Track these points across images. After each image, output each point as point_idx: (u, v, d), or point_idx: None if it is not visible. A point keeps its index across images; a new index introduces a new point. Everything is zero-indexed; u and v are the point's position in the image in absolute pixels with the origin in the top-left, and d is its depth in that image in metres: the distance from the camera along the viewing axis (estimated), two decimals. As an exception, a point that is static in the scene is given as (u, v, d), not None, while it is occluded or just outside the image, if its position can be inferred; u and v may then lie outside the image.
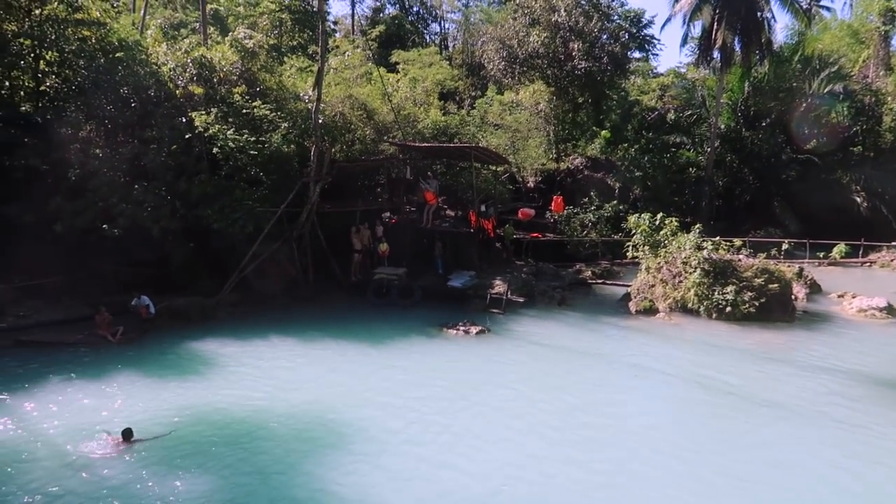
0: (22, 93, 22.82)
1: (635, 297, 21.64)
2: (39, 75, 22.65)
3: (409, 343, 17.95)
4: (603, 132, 37.95)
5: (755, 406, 13.30)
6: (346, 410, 12.98)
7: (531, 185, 34.29)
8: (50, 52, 22.38)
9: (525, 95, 35.52)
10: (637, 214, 23.67)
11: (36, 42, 21.98)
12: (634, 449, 11.35)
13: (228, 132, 21.34)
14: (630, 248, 23.29)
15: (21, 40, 21.97)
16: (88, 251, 20.66)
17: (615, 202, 30.98)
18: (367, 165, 26.88)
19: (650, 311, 20.79)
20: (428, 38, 52.94)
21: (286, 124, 23.26)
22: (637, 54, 48.71)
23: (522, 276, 23.46)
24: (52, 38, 22.27)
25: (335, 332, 18.33)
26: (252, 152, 21.41)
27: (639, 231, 22.71)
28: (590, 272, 26.23)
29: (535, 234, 27.92)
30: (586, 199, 30.78)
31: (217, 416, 12.59)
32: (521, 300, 21.65)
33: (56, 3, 22.03)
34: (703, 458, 10.95)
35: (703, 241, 20.76)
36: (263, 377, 14.94)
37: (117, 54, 22.79)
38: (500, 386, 14.65)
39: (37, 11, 21.92)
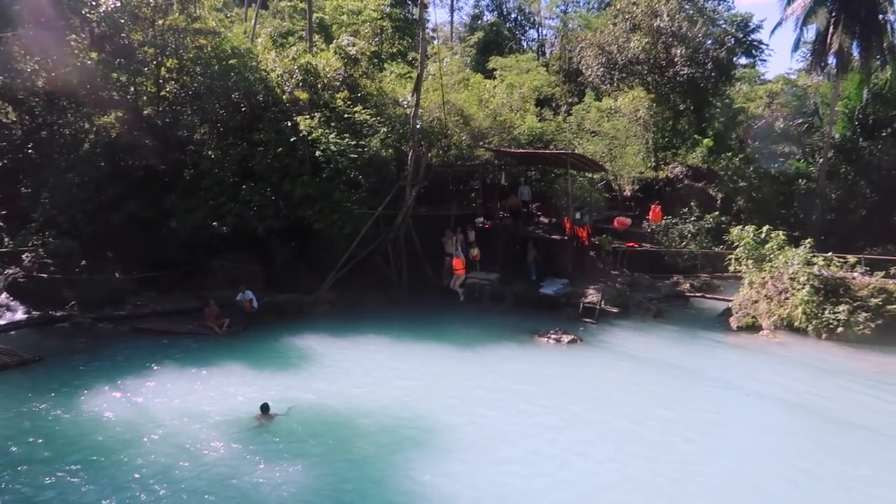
0: (145, 97, 24.43)
1: (737, 313, 20.66)
2: (160, 81, 24.20)
3: (499, 348, 17.88)
4: (705, 140, 36.54)
5: (869, 437, 12.34)
6: (435, 411, 13.06)
7: (628, 193, 33.47)
8: (170, 60, 23.88)
9: (624, 102, 34.73)
10: (741, 227, 22.62)
11: (158, 50, 23.51)
12: (728, 475, 10.75)
13: (330, 136, 22.08)
14: (732, 261, 22.28)
15: (145, 49, 23.56)
16: (199, 247, 21.89)
17: (717, 213, 29.70)
18: (462, 170, 27.10)
19: (752, 327, 19.79)
20: (525, 44, 52.85)
21: (385, 129, 23.82)
22: (744, 60, 46.76)
23: (617, 286, 22.90)
24: (173, 46, 23.77)
25: (427, 335, 18.51)
26: (352, 156, 22.06)
27: (742, 244, 21.68)
28: (688, 285, 25.30)
29: (631, 244, 27.20)
30: (686, 210, 29.68)
31: (313, 407, 13.00)
32: (615, 311, 21.15)
33: (177, 14, 23.48)
34: (806, 498, 10.21)
35: (814, 256, 19.57)
36: (356, 373, 15.29)
37: (230, 61, 24.04)
38: (591, 397, 14.30)
39: (160, 22, 23.45)
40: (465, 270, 19.23)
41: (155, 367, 15.22)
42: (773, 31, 56.80)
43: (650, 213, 29.21)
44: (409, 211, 22.94)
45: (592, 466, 11.01)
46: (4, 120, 24.20)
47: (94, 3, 22.26)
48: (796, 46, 35.44)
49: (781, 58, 59.06)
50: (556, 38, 52.75)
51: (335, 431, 12.08)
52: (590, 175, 29.13)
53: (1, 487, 9.92)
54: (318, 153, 22.11)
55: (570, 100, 41.38)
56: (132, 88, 24.09)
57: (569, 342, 18.19)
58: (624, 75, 36.21)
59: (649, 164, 34.12)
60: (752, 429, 13.04)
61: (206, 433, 11.78)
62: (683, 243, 28.11)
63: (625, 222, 27.81)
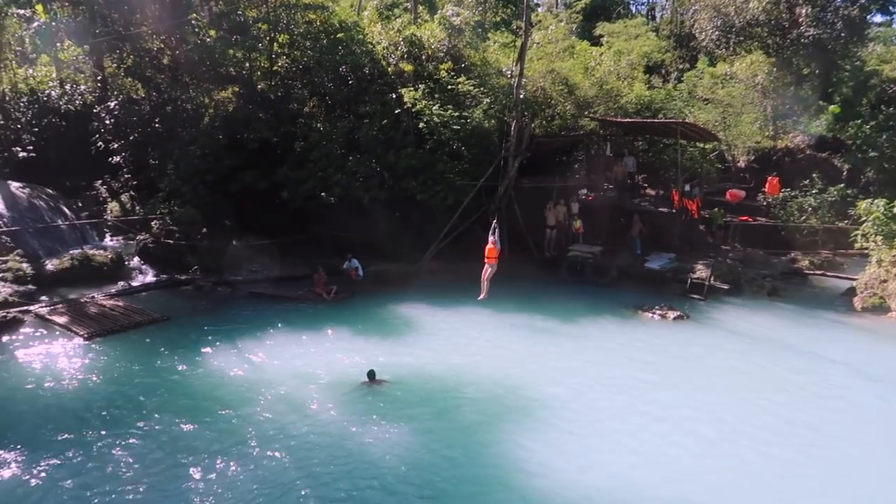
0: (258, 72, 25.49)
1: (862, 293, 19.27)
2: (273, 56, 25.14)
3: (601, 323, 17.61)
4: (831, 107, 33.80)
5: None
6: (538, 382, 13.12)
7: (742, 164, 31.64)
8: (282, 35, 24.75)
9: (740, 67, 32.69)
10: (869, 200, 20.95)
11: (271, 26, 24.41)
12: (850, 463, 10.15)
13: (434, 107, 22.21)
14: (858, 237, 20.73)
15: (259, 25, 24.51)
16: (308, 216, 22.80)
17: (842, 186, 27.54)
18: (565, 141, 26.58)
19: (880, 308, 18.42)
20: (634, 8, 50.74)
21: (488, 99, 23.68)
22: (879, 18, 42.65)
23: (728, 261, 21.89)
24: (285, 21, 24.62)
25: (527, 307, 18.48)
26: (455, 127, 22.12)
27: (871, 219, 20.10)
28: (807, 262, 23.78)
29: (745, 218, 25.82)
30: (807, 182, 27.72)
31: (417, 374, 13.40)
32: (725, 287, 20.24)
33: (288, -10, 24.25)
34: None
35: (956, 233, 17.89)
36: (458, 342, 15.57)
37: (338, 35, 24.62)
38: (699, 376, 13.87)
39: (272, -1, 24.32)
40: (496, 261, 17.26)
41: (269, 330, 16.13)
42: (914, -15, 51.20)
43: (766, 185, 27.52)
44: (511, 182, 22.80)
45: (701, 447, 10.76)
46: (135, 96, 26.03)
47: (212, -18, 23.38)
48: (942, 1, 32.02)
49: (923, 14, 53.48)
50: (667, 1, 50.25)
51: (440, 397, 12.43)
52: (701, 145, 27.76)
53: (139, 433, 10.91)
54: (421, 125, 22.34)
55: (681, 66, 39.43)
56: (247, 64, 25.19)
57: (675, 318, 17.67)
58: (741, 38, 33.99)
59: (767, 134, 32.05)
60: (877, 418, 12.19)
61: (318, 394, 12.42)
62: (803, 218, 26.36)
63: (738, 195, 26.36)
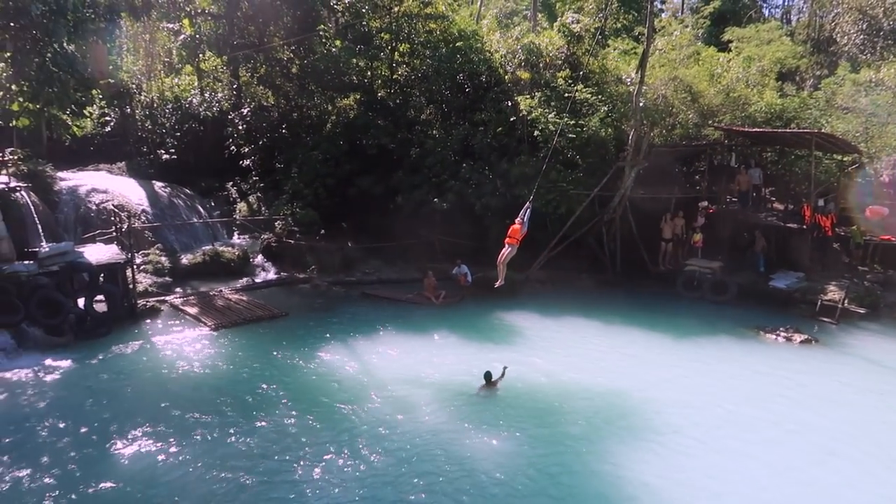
0: (379, 81, 26.36)
1: None
2: (393, 64, 25.91)
3: (718, 342, 16.71)
4: None
5: None
6: (644, 401, 12.65)
7: (886, 178, 29.07)
8: (403, 44, 25.44)
9: (889, 73, 30.05)
10: None
11: (393, 35, 25.17)
12: None
13: (549, 115, 22.02)
14: None
15: (382, 35, 25.34)
16: (420, 221, 23.28)
17: None
18: (686, 151, 25.51)
19: None
20: (767, 11, 47.93)
21: (605, 108, 23.19)
22: None
23: (865, 283, 20.15)
24: (406, 31, 25.30)
25: (639, 321, 17.87)
26: (570, 135, 21.83)
27: None
28: (957, 288, 21.46)
29: (887, 238, 23.68)
30: (960, 199, 25.08)
31: (523, 382, 13.28)
32: (861, 311, 18.63)
33: (411, 1, 24.88)
34: None
35: None
36: (566, 353, 15.32)
37: (457, 44, 24.98)
38: (825, 406, 12.81)
39: (395, 9, 25.06)
40: (518, 242, 14.28)
41: (380, 331, 16.62)
42: None
43: (914, 202, 25.11)
44: (626, 193, 22.18)
45: (823, 482, 9.93)
46: (265, 103, 27.68)
47: (340, -6, 24.47)
48: None
49: None
50: (804, 3, 47.10)
51: (545, 407, 12.30)
52: (839, 157, 25.77)
53: (257, 420, 11.56)
54: (536, 133, 22.22)
55: (817, 73, 36.78)
56: (369, 72, 26.12)
57: (801, 342, 16.49)
58: (890, 42, 31.32)
59: (917, 145, 29.29)
60: None
61: (424, 396, 12.65)
62: (955, 239, 23.83)
63: (880, 212, 24.18)
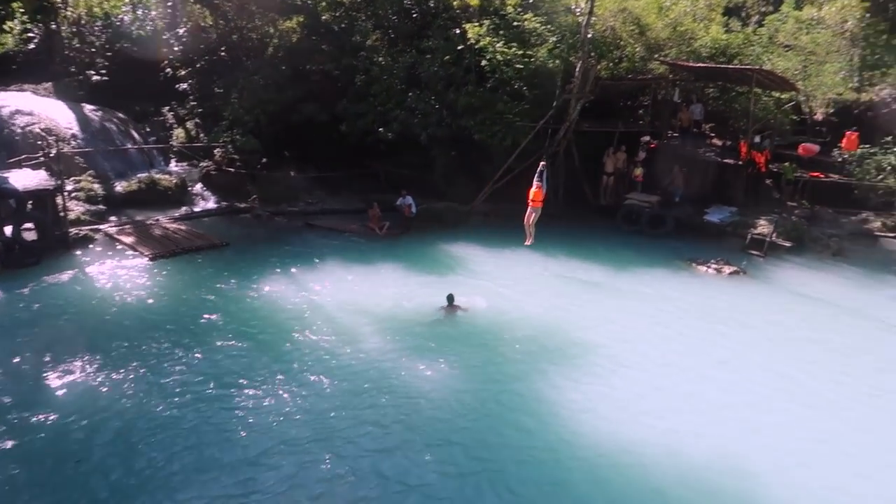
0: (323, 3, 25.30)
1: (937, 259, 18.33)
2: (338, -14, 24.86)
3: (654, 273, 17.34)
4: (927, 59, 31.47)
5: None
6: (581, 329, 13.14)
7: (820, 117, 29.89)
8: (348, -36, 24.37)
9: (830, 11, 30.47)
10: (957, 161, 19.64)
11: (339, -45, 24.04)
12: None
13: (498, 44, 21.70)
14: (941, 200, 19.55)
15: (327, -47, 24.18)
16: (365, 151, 22.97)
17: (929, 144, 25.90)
18: (632, 85, 25.62)
19: (955, 276, 17.52)
20: (718, -56, 47.52)
21: (554, 38, 22.95)
22: None
23: (793, 218, 21.04)
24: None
25: (579, 253, 18.34)
26: (518, 66, 21.62)
27: (956, 181, 18.89)
28: (879, 223, 22.60)
29: (816, 174, 24.61)
30: (889, 139, 26.14)
31: (466, 313, 13.54)
32: (787, 245, 19.54)
33: (357, -83, 23.72)
34: None
35: None
36: (508, 285, 15.65)
37: (405, -35, 24.07)
38: (749, 336, 13.55)
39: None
40: (542, 204, 16.38)
41: (323, 261, 16.61)
42: None
43: (844, 140, 26.05)
44: (572, 125, 22.29)
45: (744, 406, 10.63)
46: (202, 23, 26.31)
47: None
48: None
49: None
50: (756, -64, 46.88)
51: (484, 337, 12.62)
52: (777, 95, 26.34)
53: (196, 350, 11.53)
54: (483, 62, 21.91)
55: (763, 9, 36.97)
56: (309, -6, 25.00)
57: (730, 273, 17.25)
58: (835, -21, 31.66)
59: (851, 85, 30.11)
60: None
61: (370, 326, 12.82)
62: (881, 177, 24.93)
63: (811, 149, 25.04)
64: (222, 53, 25.29)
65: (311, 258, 16.77)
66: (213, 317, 13.01)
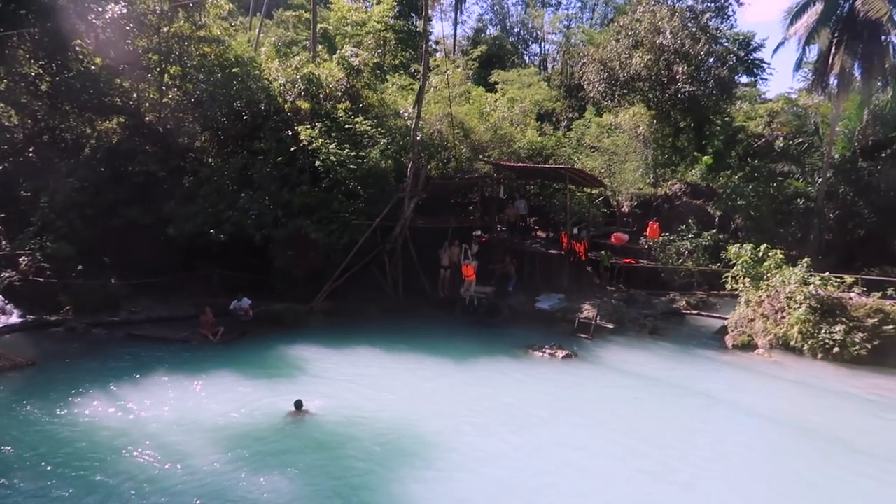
0: (147, 104, 24.54)
1: (733, 331, 20.68)
2: (163, 88, 24.31)
3: (493, 362, 17.86)
4: (704, 158, 36.67)
5: (857, 456, 12.32)
6: (427, 424, 13.02)
7: (626, 209, 33.50)
8: (174, 67, 23.99)
9: (624, 118, 34.84)
10: (738, 245, 22.65)
11: (162, 57, 23.64)
12: (716, 494, 10.74)
13: (331, 146, 22.16)
14: (729, 279, 22.29)
15: (150, 55, 23.68)
16: (196, 254, 21.94)
17: (714, 231, 29.74)
18: (461, 183, 27.19)
19: (748, 346, 19.79)
20: (528, 58, 53.09)
21: (385, 140, 23.93)
22: (745, 79, 47.03)
23: (613, 302, 22.94)
24: (177, 53, 23.91)
25: (421, 347, 18.50)
26: (351, 166, 22.14)
27: (740, 262, 21.69)
28: (684, 302, 25.29)
29: (628, 260, 27.24)
30: (684, 227, 29.72)
31: (303, 418, 12.98)
32: (610, 326, 21.18)
33: (182, 22, 23.63)
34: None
35: (811, 275, 19.60)
36: (350, 384, 15.26)
37: (233, 69, 24.18)
38: (583, 412, 14.27)
39: (165, 29, 23.59)
40: (474, 277, 20.80)
41: (149, 375, 15.19)
42: (775, 51, 57.07)
43: (647, 229, 29.24)
44: (406, 222, 23.01)
45: (582, 479, 10.99)
46: (7, 123, 24.30)
47: (100, 9, 22.42)
48: (798, 66, 35.51)
49: (783, 77, 59.75)
50: (558, 53, 52.99)
51: (325, 442, 12.08)
52: (588, 190, 29.21)
53: (-11, 493, 9.90)
54: (317, 163, 22.20)
55: (570, 115, 41.52)
56: (135, 94, 24.21)
57: (563, 357, 18.19)
58: (625, 91, 36.32)
59: (648, 181, 34.18)
60: (738, 446, 13.00)
61: (195, 441, 11.75)
62: (681, 260, 28.12)
63: (622, 238, 27.83)
64: (30, 154, 23.41)
65: (134, 373, 15.31)
66: (12, 449, 11.30)
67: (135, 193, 22.10)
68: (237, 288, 20.56)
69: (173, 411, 13.11)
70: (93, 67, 23.19)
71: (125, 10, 22.46)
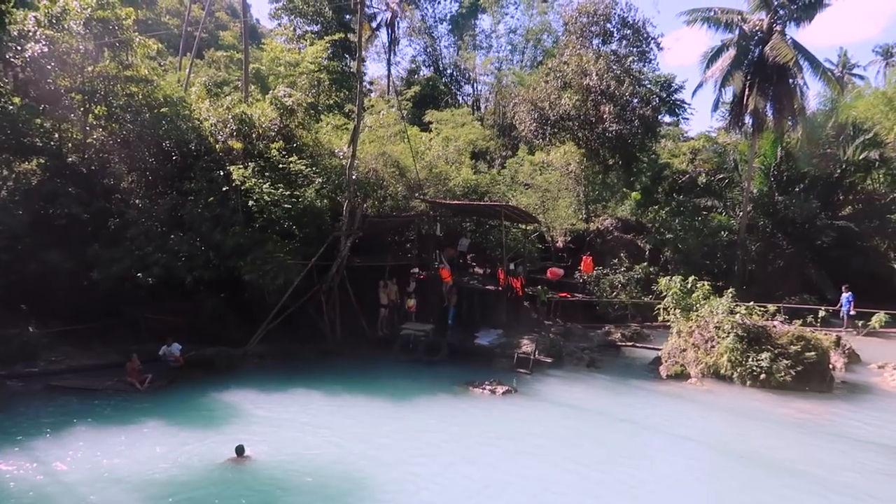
0: (70, 144, 23.67)
1: (666, 362, 21.17)
2: (87, 128, 23.53)
3: (433, 401, 17.69)
4: (633, 194, 38.02)
5: (788, 479, 12.72)
6: (368, 467, 12.75)
7: (560, 244, 34.24)
8: (99, 107, 23.29)
9: (556, 156, 35.86)
10: (668, 277, 23.39)
11: (86, 97, 22.92)
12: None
13: (264, 186, 21.81)
14: (661, 310, 22.92)
15: (73, 95, 22.93)
16: (122, 298, 21.01)
17: (645, 264, 30.70)
18: (397, 221, 27.19)
19: (681, 375, 20.29)
20: (461, 98, 54.11)
21: (320, 179, 23.73)
22: (668, 118, 49.30)
23: (551, 336, 23.18)
24: (102, 93, 23.22)
25: (360, 388, 18.16)
26: (286, 206, 21.82)
27: (670, 294, 22.38)
28: (619, 334, 25.82)
29: (564, 294, 27.70)
30: (616, 260, 30.57)
31: (238, 466, 12.47)
32: (548, 360, 21.33)
33: (108, 61, 23.04)
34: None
35: (736, 305, 20.37)
36: (287, 429, 14.83)
37: (162, 109, 23.65)
38: (523, 447, 14.26)
39: (89, 69, 22.92)
40: (451, 279, 22.95)
41: (67, 428, 14.31)
42: (694, 92, 59.81)
43: (582, 263, 29.92)
44: (343, 261, 22.76)
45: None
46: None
47: (19, 47, 21.64)
48: (716, 106, 37.54)
49: (703, 116, 62.71)
50: (490, 93, 54.30)
51: (268, 487, 11.64)
52: (523, 226, 29.71)
53: None
54: (251, 203, 21.78)
55: (504, 153, 42.41)
56: (56, 135, 23.33)
57: (503, 393, 18.18)
58: (555, 130, 37.44)
59: (580, 217, 35.11)
60: (676, 474, 13.31)
61: (124, 497, 11.11)
62: (614, 293, 28.82)
63: (557, 273, 28.36)
64: (-62, 198, 22.12)
65: (54, 427, 14.36)
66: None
67: (56, 237, 21.07)
68: (166, 333, 19.75)
69: (97, 466, 12.38)
70: (10, 108, 22.27)
71: (46, 49, 21.71)
